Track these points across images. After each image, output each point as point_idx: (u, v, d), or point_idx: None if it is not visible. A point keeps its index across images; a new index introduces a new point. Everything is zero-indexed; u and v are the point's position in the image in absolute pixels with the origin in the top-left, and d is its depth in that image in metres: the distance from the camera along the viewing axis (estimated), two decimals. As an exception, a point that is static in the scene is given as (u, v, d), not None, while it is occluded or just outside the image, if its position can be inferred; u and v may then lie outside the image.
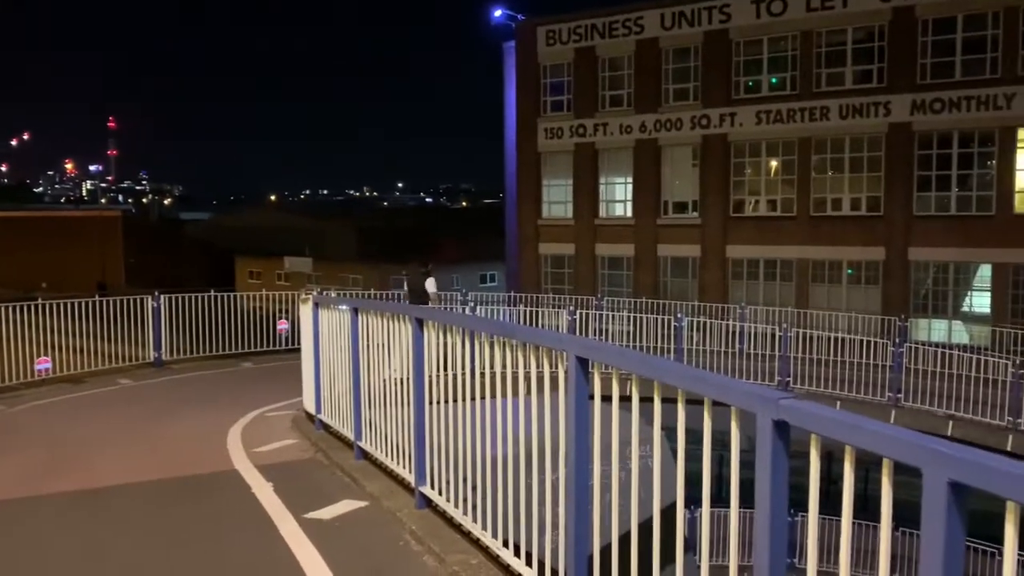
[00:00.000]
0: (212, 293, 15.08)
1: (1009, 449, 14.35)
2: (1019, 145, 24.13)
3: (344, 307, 6.69)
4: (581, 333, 20.75)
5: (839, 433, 1.98)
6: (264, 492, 6.24)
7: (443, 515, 4.96)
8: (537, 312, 22.36)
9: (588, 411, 3.32)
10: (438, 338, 4.79)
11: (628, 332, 21.93)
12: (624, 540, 3.14)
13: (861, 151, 26.22)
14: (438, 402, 4.89)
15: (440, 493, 4.91)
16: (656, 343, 19.97)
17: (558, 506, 3.48)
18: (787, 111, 27.04)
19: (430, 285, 20.01)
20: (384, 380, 5.77)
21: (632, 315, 22.41)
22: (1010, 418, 14.66)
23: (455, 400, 4.60)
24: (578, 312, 21.26)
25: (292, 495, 6.09)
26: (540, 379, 3.67)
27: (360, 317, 6.24)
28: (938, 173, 25.10)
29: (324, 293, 14.88)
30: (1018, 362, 15.23)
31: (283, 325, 16.09)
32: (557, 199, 32.42)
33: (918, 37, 24.84)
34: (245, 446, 8.06)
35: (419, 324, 5.01)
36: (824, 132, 26.60)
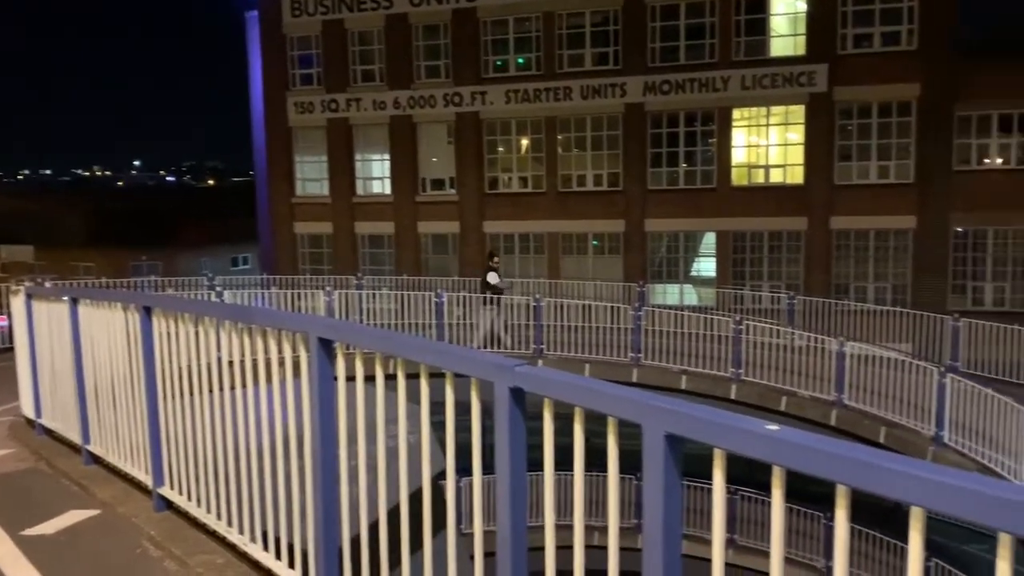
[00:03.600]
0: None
1: (733, 397, 16.03)
2: (735, 124, 26.83)
3: (64, 297, 6.01)
4: (341, 314, 20.38)
5: (569, 395, 2.04)
6: (-28, 513, 5.48)
7: (186, 516, 4.62)
8: (295, 294, 21.65)
9: (333, 393, 3.20)
10: (168, 327, 4.42)
11: (392, 310, 21.87)
12: (376, 524, 3.06)
13: (601, 130, 27.88)
14: (176, 396, 4.53)
15: (181, 493, 4.57)
16: (420, 319, 20.08)
17: (306, 494, 3.34)
18: (533, 91, 28.08)
19: (492, 278, 19.53)
20: (112, 377, 5.25)
21: (395, 293, 22.36)
22: (733, 369, 16.35)
23: (194, 393, 4.28)
24: (337, 292, 20.84)
25: (7, 512, 5.39)
26: (289, 364, 3.48)
27: (80, 308, 5.63)
28: (668, 150, 27.30)
29: (43, 283, 13.38)
30: (738, 319, 17.00)
31: (1, 322, 14.31)
32: (312, 176, 31.49)
33: (647, 22, 26.75)
34: (-51, 463, 7.04)
35: (147, 312, 4.59)
36: (568, 112, 27.94)
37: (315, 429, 3.22)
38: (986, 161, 25.21)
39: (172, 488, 4.70)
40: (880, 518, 14.68)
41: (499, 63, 28.79)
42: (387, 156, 30.36)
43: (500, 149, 29.43)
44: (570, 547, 2.21)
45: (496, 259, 20.72)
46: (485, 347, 17.79)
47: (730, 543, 16.50)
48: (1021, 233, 24.59)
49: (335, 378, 3.20)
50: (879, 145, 25.48)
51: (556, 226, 28.26)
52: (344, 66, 30.11)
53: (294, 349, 3.41)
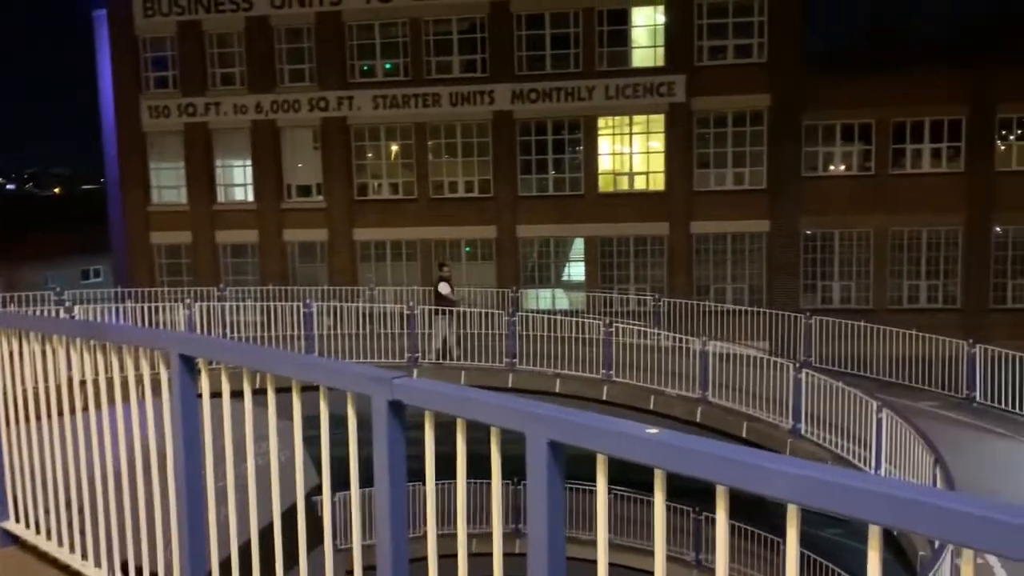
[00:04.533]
0: None
1: (605, 398, 16.41)
2: (600, 133, 27.56)
3: None
4: (203, 327, 19.52)
5: (451, 407, 2.00)
6: None
7: (35, 551, 4.26)
8: (152, 308, 20.57)
9: (197, 411, 3.03)
10: (11, 346, 4.07)
11: (257, 322, 21.15)
12: (248, 545, 2.92)
13: (471, 137, 27.99)
14: (22, 422, 4.17)
15: (28, 526, 4.21)
16: (287, 331, 19.50)
17: (170, 519, 3.14)
18: (402, 96, 27.88)
19: (443, 288, 18.30)
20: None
21: (260, 304, 21.64)
22: (604, 371, 16.75)
23: (42, 417, 3.96)
24: (198, 305, 19.96)
25: None
26: (148, 382, 3.27)
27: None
28: (537, 157, 27.73)
29: None
30: (608, 322, 17.44)
31: None
32: (169, 183, 30.07)
33: (514, 31, 27.10)
34: None
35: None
36: (437, 118, 27.91)
37: (179, 450, 3.03)
38: (831, 168, 26.96)
39: (18, 522, 4.33)
40: (747, 511, 15.37)
41: (366, 68, 28.42)
42: (249, 162, 29.38)
43: (369, 155, 29.06)
44: (454, 556, 2.17)
45: (446, 268, 20.20)
46: (440, 359, 17.62)
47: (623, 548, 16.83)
48: (865, 235, 26.42)
49: (199, 395, 3.03)
50: (734, 153, 26.79)
51: (428, 233, 28.14)
52: (202, 69, 28.95)
53: (153, 366, 3.21)
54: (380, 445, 2.21)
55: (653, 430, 1.62)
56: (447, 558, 2.18)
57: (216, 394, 2.99)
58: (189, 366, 3.00)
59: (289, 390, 2.61)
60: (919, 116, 25.67)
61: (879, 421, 12.08)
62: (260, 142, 28.95)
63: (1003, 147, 25.96)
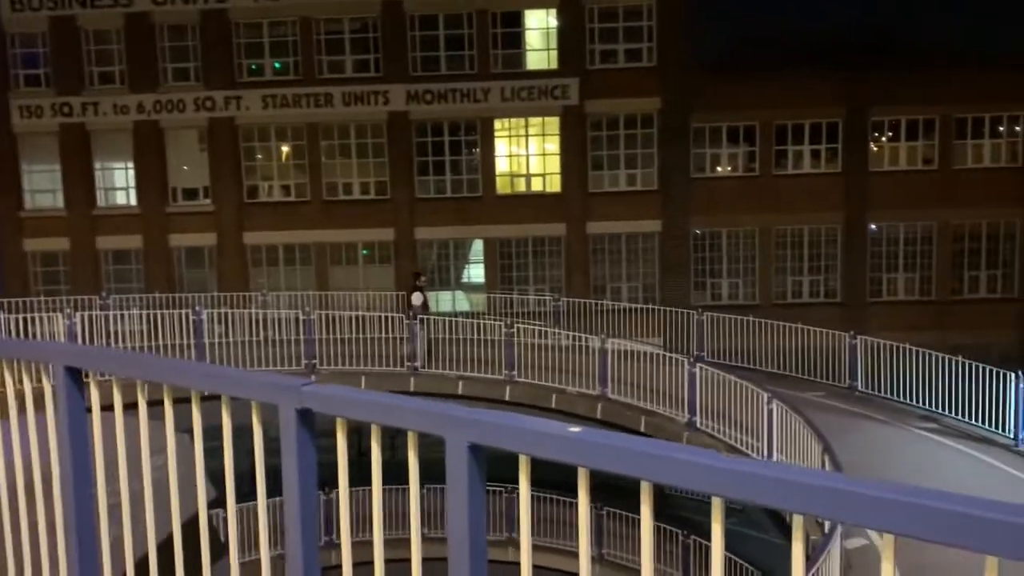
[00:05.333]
0: None
1: (507, 399, 16.47)
2: (497, 135, 27.68)
3: None
4: (85, 337, 18.53)
5: (366, 413, 1.94)
6: None
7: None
8: (27, 319, 19.38)
9: (86, 426, 2.84)
10: None
11: (142, 331, 20.24)
12: (145, 560, 2.76)
13: (366, 137, 27.62)
14: None
15: None
16: (175, 340, 18.74)
17: (57, 540, 2.94)
18: (292, 96, 27.24)
19: (415, 298, 17.79)
20: None
21: (146, 312, 20.70)
22: (507, 372, 16.81)
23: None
24: (79, 315, 18.94)
25: None
26: (29, 397, 3.05)
27: None
28: (434, 159, 27.60)
29: None
30: (509, 323, 17.52)
31: None
32: (43, 187, 28.43)
33: (407, 31, 26.89)
34: None
35: None
36: (330, 118, 27.40)
37: (66, 468, 2.84)
38: (718, 169, 27.93)
39: None
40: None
41: (254, 67, 27.64)
42: (131, 164, 28.10)
43: (259, 156, 28.26)
44: (370, 563, 2.11)
45: (423, 278, 19.87)
46: (423, 366, 17.30)
47: (511, 542, 16.92)
48: (750, 234, 27.47)
49: (88, 410, 2.85)
50: (627, 155, 27.39)
51: (323, 236, 27.59)
52: (78, 67, 27.50)
53: (36, 380, 3.00)
54: (289, 455, 2.13)
55: (575, 428, 1.60)
56: (363, 565, 2.13)
57: (107, 407, 2.82)
58: (75, 379, 2.82)
59: (187, 401, 2.49)
60: (799, 119, 26.90)
61: (770, 412, 12.57)
62: (143, 143, 27.72)
63: (876, 148, 27.49)
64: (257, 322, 21.19)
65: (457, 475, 1.75)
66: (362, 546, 2.16)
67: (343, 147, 27.85)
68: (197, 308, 18.92)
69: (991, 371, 14.49)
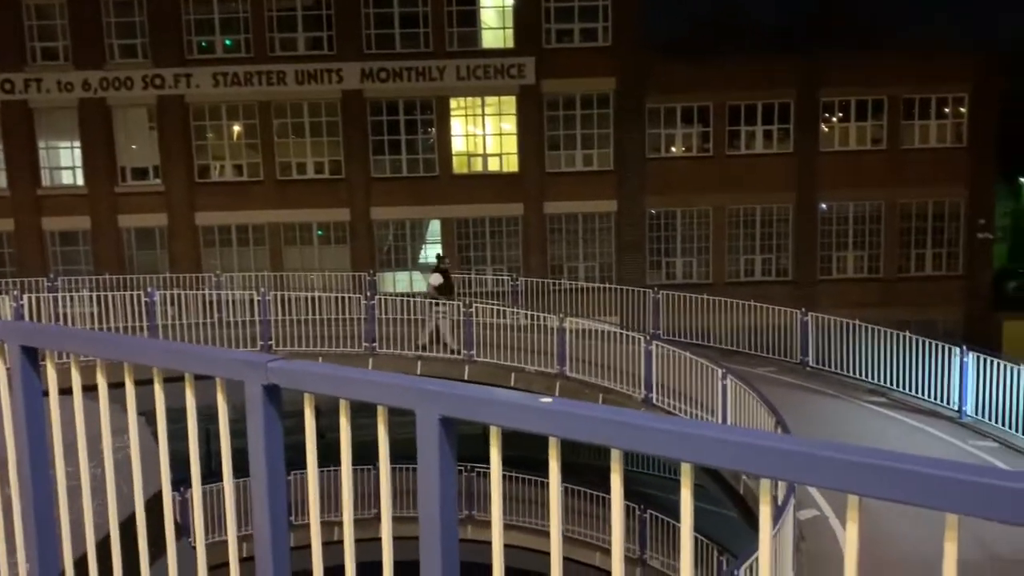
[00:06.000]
0: None
1: (466, 378, 16.49)
2: (453, 114, 27.49)
3: None
4: (34, 320, 18.08)
5: (334, 388, 1.93)
6: None
7: None
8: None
9: (43, 408, 2.79)
10: None
11: (92, 314, 19.80)
12: (105, 543, 2.73)
13: (320, 116, 27.24)
14: None
15: None
16: (127, 322, 18.38)
17: (14, 525, 2.89)
18: (244, 74, 26.71)
19: (434, 279, 17.20)
20: None
21: (95, 294, 20.26)
22: (466, 351, 16.82)
23: None
24: (27, 297, 18.47)
25: None
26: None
27: None
28: (390, 138, 27.33)
29: None
30: (467, 303, 17.50)
31: None
32: (-16, 167, 27.55)
33: (361, 8, 26.50)
34: None
35: None
36: (283, 97, 26.96)
37: (23, 451, 2.79)
38: (673, 149, 28.13)
39: None
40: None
41: (204, 44, 27.03)
42: (78, 143, 27.35)
43: (211, 135, 27.72)
44: (340, 542, 2.11)
45: (446, 260, 19.52)
46: (428, 349, 16.95)
47: (470, 519, 17.01)
48: (704, 213, 27.77)
49: (45, 392, 2.80)
50: (583, 135, 27.44)
51: (276, 216, 27.21)
52: (20, 42, 26.61)
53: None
54: (256, 433, 2.11)
55: (547, 399, 1.62)
56: (333, 544, 2.13)
57: (66, 389, 2.77)
58: (31, 359, 2.76)
59: (149, 382, 2.46)
60: (752, 99, 27.19)
61: (724, 387, 12.79)
62: (89, 122, 26.99)
63: (826, 129, 27.94)
64: (211, 303, 20.88)
65: (428, 449, 1.75)
66: (329, 526, 2.16)
67: (296, 126, 27.44)
68: (149, 290, 18.58)
69: (936, 346, 14.92)
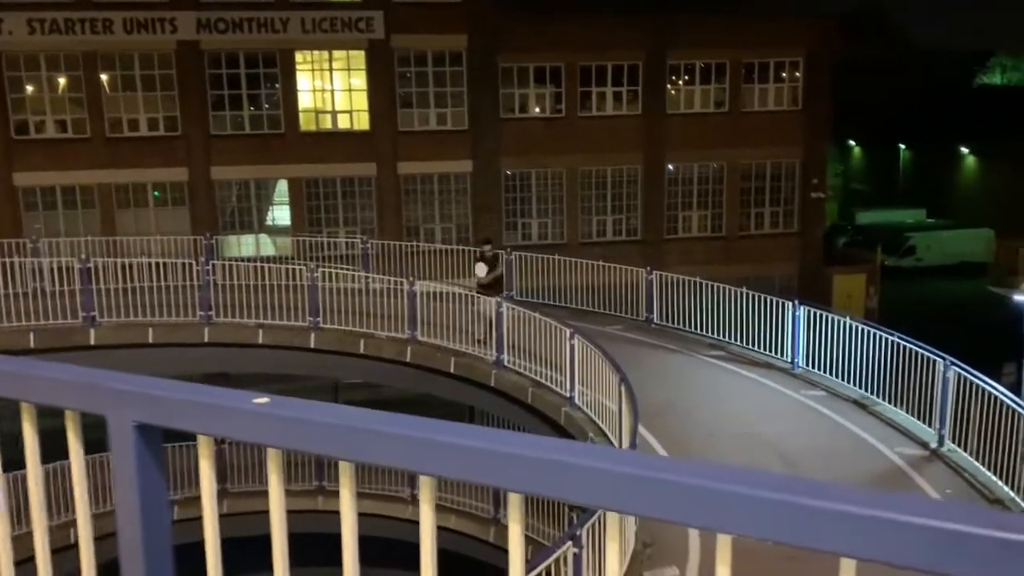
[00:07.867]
0: None
1: (312, 346, 15.91)
2: (299, 68, 26.26)
3: None
4: None
5: (8, 390, 1.55)
6: None
7: None
8: None
9: None
10: None
11: None
12: None
13: (152, 69, 25.38)
14: None
15: None
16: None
17: None
18: (64, 21, 24.45)
19: (478, 269, 15.38)
20: None
21: None
22: (311, 318, 16.18)
23: None
24: None
25: None
26: None
27: None
28: (231, 93, 25.83)
29: None
30: (314, 267, 16.81)
31: None
32: None
33: (196, -47, 24.75)
34: None
35: None
36: (111, 47, 24.91)
37: None
38: (527, 110, 28.06)
39: None
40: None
41: (16, -13, 24.51)
42: None
43: (29, 88, 25.33)
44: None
45: (488, 247, 16.40)
46: (485, 338, 14.84)
47: (224, 493, 16.37)
48: (558, 174, 27.96)
49: None
50: (436, 93, 26.90)
51: (107, 176, 25.28)
52: None
53: None
54: None
55: (263, 399, 1.32)
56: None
57: None
58: None
59: None
60: (603, 60, 27.44)
61: (572, 347, 12.87)
62: None
63: (673, 91, 28.62)
64: (32, 272, 19.16)
65: (124, 463, 1.42)
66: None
67: (127, 79, 25.44)
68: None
69: (771, 301, 15.61)
